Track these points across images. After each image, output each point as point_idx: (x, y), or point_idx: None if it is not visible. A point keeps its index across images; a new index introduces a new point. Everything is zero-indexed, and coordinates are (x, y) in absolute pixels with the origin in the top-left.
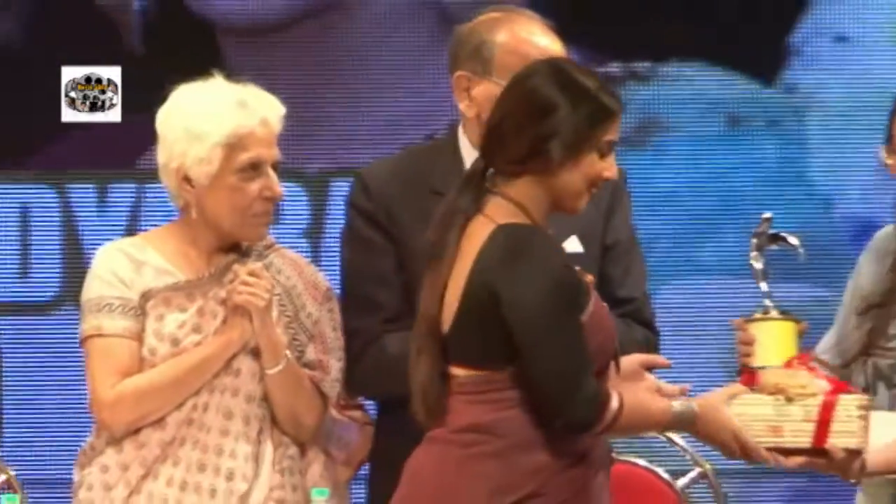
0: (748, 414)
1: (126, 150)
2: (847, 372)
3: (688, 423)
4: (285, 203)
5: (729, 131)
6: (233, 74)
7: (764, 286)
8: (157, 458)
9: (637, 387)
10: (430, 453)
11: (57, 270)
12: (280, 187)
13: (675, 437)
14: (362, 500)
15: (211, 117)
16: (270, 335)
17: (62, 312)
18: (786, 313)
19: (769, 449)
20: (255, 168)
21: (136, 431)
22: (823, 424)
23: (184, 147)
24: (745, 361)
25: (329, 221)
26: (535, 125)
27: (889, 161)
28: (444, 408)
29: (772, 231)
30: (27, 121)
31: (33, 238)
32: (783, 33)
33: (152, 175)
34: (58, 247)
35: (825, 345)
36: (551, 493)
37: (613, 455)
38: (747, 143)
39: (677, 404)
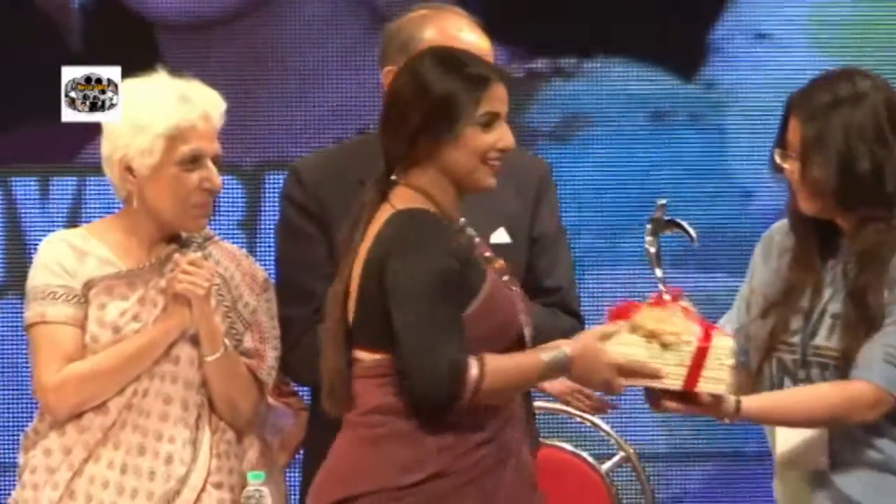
0: (622, 354)
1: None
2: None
3: (562, 368)
4: (222, 196)
5: (651, 126)
6: (170, 70)
7: (658, 272)
8: (99, 441)
9: None
10: (343, 436)
11: None
12: (219, 179)
13: (600, 422)
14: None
15: (154, 110)
16: (209, 323)
17: (4, 301)
18: (677, 298)
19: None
20: (195, 160)
21: (79, 416)
22: (695, 369)
23: (127, 139)
24: None
25: (265, 213)
26: (415, 109)
27: (785, 165)
28: (351, 393)
29: (667, 217)
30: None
31: None
32: (703, 31)
33: (93, 169)
34: (0, 238)
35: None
36: (460, 473)
37: (540, 440)
38: (669, 137)
39: (546, 354)
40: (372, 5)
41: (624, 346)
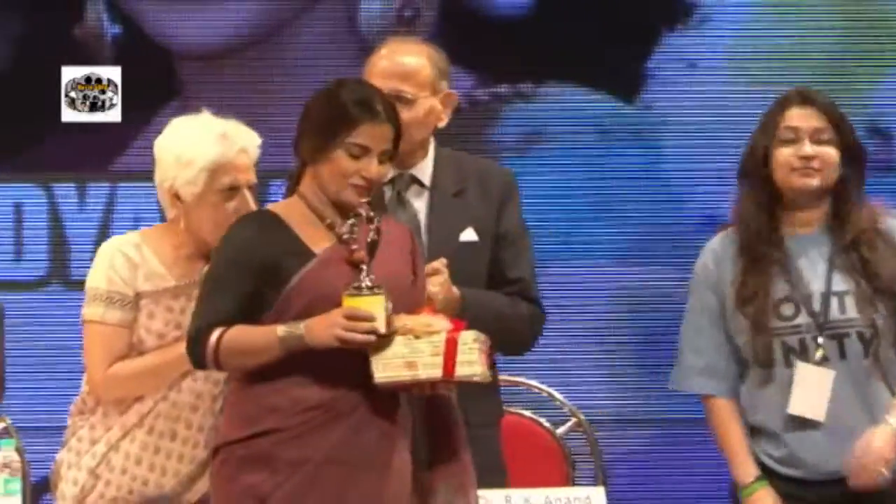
0: (387, 354)
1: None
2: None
3: (297, 340)
4: None
5: (598, 141)
6: (188, 92)
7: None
8: (135, 424)
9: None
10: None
11: (45, 256)
12: (253, 206)
13: (555, 391)
14: None
15: (197, 147)
16: None
17: (50, 289)
18: (374, 288)
19: (409, 384)
20: (233, 189)
21: (121, 401)
22: (450, 357)
23: (175, 170)
24: None
25: None
26: (299, 127)
27: (811, 150)
28: None
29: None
30: (27, 121)
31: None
32: (642, 61)
33: (124, 177)
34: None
35: (695, 369)
36: (286, 430)
37: (504, 408)
38: (613, 152)
39: (281, 330)
40: (358, 36)
41: (386, 347)
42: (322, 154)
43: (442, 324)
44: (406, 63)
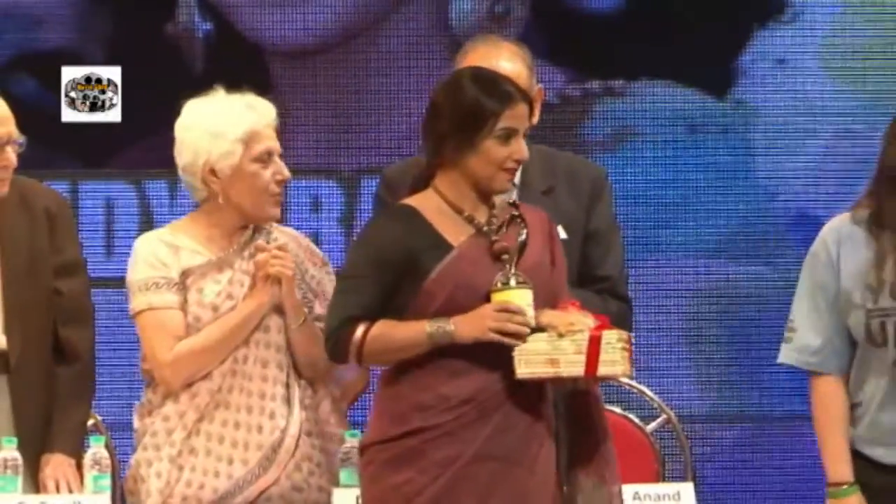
0: (528, 349)
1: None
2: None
3: (446, 335)
4: (324, 196)
5: (688, 138)
6: (279, 90)
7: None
8: (208, 404)
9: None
10: None
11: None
12: (287, 171)
13: (645, 388)
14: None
15: (228, 119)
16: (294, 297)
17: None
18: (522, 282)
19: (549, 379)
20: (268, 156)
21: (189, 384)
22: (592, 356)
23: (208, 146)
24: None
25: (361, 212)
26: (432, 127)
27: None
28: None
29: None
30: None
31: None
32: (732, 57)
33: None
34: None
35: (812, 347)
36: (437, 427)
37: None
38: (703, 148)
39: (429, 325)
40: (451, 34)
41: (528, 343)
42: (470, 148)
43: (585, 321)
44: (504, 69)
